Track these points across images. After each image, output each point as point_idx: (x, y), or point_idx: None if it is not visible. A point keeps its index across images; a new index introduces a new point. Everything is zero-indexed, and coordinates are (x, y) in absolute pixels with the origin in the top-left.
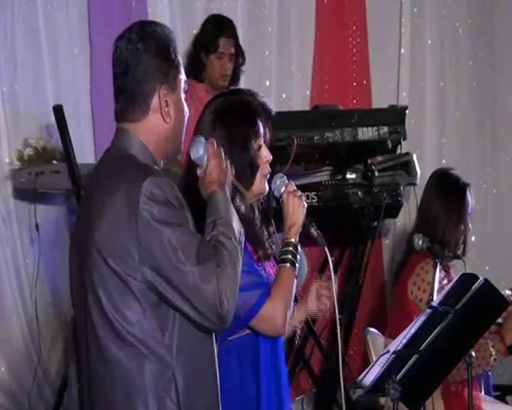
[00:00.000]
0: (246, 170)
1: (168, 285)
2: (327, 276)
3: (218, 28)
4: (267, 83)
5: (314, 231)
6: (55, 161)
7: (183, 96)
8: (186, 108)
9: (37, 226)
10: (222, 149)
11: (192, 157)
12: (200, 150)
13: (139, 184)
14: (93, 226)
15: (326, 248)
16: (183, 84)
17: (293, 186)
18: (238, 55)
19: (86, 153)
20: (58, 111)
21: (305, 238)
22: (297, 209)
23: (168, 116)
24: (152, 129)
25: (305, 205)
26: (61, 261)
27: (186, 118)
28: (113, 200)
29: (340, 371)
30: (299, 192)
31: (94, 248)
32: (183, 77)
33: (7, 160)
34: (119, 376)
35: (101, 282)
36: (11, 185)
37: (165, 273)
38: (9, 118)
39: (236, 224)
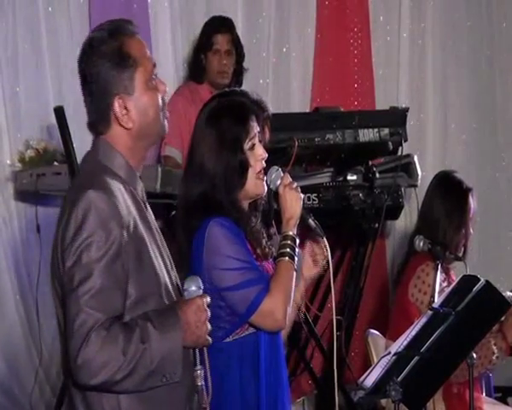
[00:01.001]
0: (236, 170)
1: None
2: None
3: (213, 26)
4: (267, 84)
5: (312, 222)
6: (56, 163)
7: (147, 86)
8: (154, 96)
9: (38, 228)
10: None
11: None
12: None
13: (78, 201)
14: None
15: (324, 239)
16: (145, 75)
17: (288, 178)
18: (237, 52)
19: None
20: (59, 112)
21: (307, 240)
22: (294, 202)
23: (129, 122)
24: (119, 138)
25: (302, 196)
26: None
27: (157, 102)
28: (63, 214)
29: (335, 372)
30: (295, 184)
31: (54, 272)
32: (144, 67)
33: (8, 161)
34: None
35: (57, 299)
36: (12, 187)
37: (64, 292)
38: (11, 119)
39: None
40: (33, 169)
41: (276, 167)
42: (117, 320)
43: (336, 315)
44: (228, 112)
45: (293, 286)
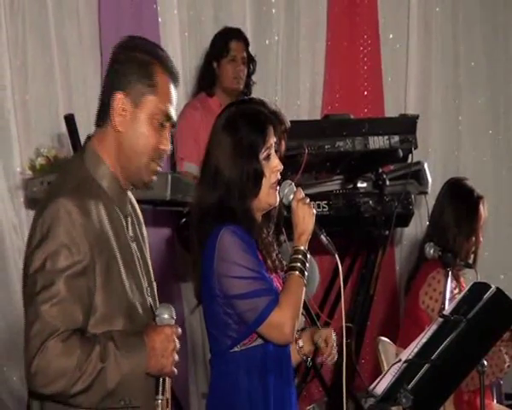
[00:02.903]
0: (250, 177)
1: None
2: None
3: (227, 34)
4: (277, 92)
5: (324, 239)
6: None
7: (151, 118)
8: (152, 134)
9: None
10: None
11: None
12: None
13: (47, 206)
14: None
15: (336, 255)
16: (154, 107)
17: (301, 193)
18: (249, 62)
19: None
20: (69, 120)
21: (317, 247)
22: (307, 217)
23: (121, 125)
24: (108, 138)
25: (315, 212)
26: None
27: (152, 141)
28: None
29: (343, 379)
30: (308, 199)
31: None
32: (159, 99)
33: (19, 169)
34: None
35: None
36: (23, 195)
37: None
38: (21, 127)
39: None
40: (44, 177)
41: (289, 182)
42: (76, 333)
43: (347, 322)
44: (246, 119)
45: (302, 301)
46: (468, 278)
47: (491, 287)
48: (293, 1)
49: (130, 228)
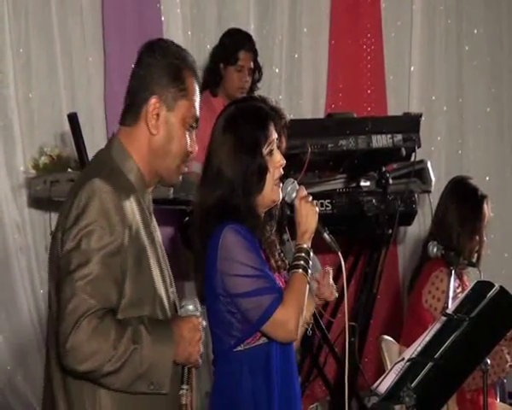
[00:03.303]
0: (255, 173)
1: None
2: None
3: (238, 41)
4: (280, 91)
5: (327, 236)
6: (69, 170)
7: (183, 121)
8: (184, 137)
9: (52, 235)
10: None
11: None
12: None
13: (82, 187)
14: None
15: (340, 253)
16: (188, 111)
17: (304, 191)
18: (256, 71)
19: None
20: (73, 119)
21: (320, 246)
22: (310, 215)
23: (154, 128)
24: (138, 137)
25: (317, 210)
26: None
27: (179, 146)
28: (67, 201)
29: (345, 377)
30: (311, 197)
31: (53, 256)
32: (190, 103)
33: (22, 168)
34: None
35: (52, 282)
36: (26, 194)
37: (59, 278)
38: (24, 126)
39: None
40: (47, 176)
41: (291, 180)
42: (110, 313)
43: (350, 321)
44: (247, 117)
45: (306, 299)
46: (472, 277)
47: (494, 286)
48: (297, 0)
49: (153, 225)
